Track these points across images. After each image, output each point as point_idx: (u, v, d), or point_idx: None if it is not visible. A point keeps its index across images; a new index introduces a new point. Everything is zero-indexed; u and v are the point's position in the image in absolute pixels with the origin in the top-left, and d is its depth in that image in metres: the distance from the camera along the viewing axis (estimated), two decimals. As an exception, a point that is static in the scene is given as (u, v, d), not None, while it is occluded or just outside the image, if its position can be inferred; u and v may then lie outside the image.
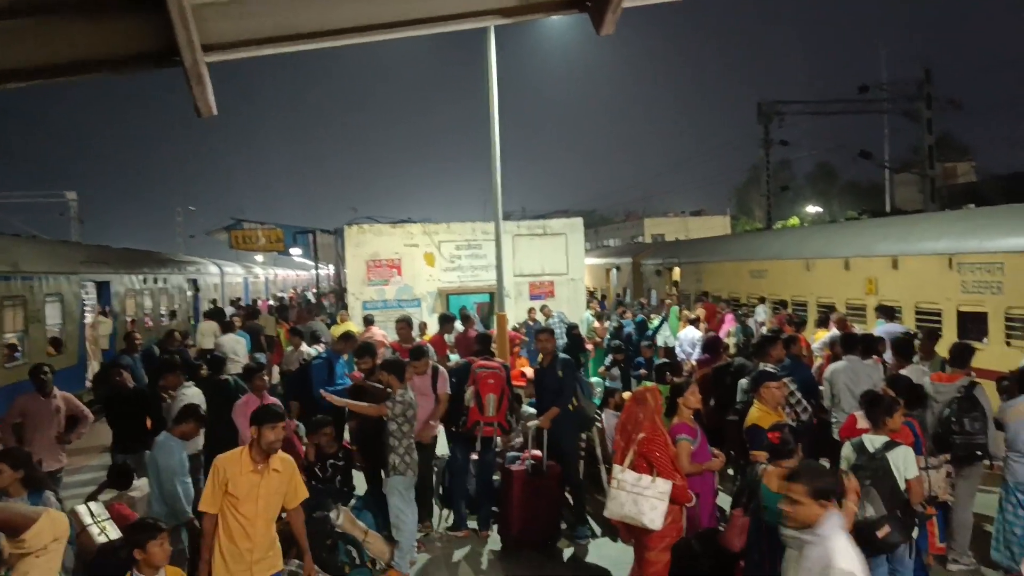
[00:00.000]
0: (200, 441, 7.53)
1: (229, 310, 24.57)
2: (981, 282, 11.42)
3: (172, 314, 20.98)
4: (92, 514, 5.99)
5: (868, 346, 8.13)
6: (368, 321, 13.93)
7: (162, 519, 5.90)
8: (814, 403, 7.68)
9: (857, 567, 3.38)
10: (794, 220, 51.55)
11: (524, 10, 2.50)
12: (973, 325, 11.51)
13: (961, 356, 6.94)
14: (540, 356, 8.18)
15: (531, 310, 15.52)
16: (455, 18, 2.47)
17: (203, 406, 7.26)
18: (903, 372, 7.33)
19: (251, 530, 4.79)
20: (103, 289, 17.62)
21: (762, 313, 15.25)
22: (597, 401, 8.92)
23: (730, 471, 8.53)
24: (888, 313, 12.00)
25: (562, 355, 8.12)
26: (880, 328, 11.97)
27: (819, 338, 11.59)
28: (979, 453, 6.42)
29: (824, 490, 3.54)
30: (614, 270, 29.98)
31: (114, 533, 6.79)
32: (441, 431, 8.40)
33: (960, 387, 6.52)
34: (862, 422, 5.95)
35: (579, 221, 18.86)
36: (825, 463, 5.88)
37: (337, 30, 2.39)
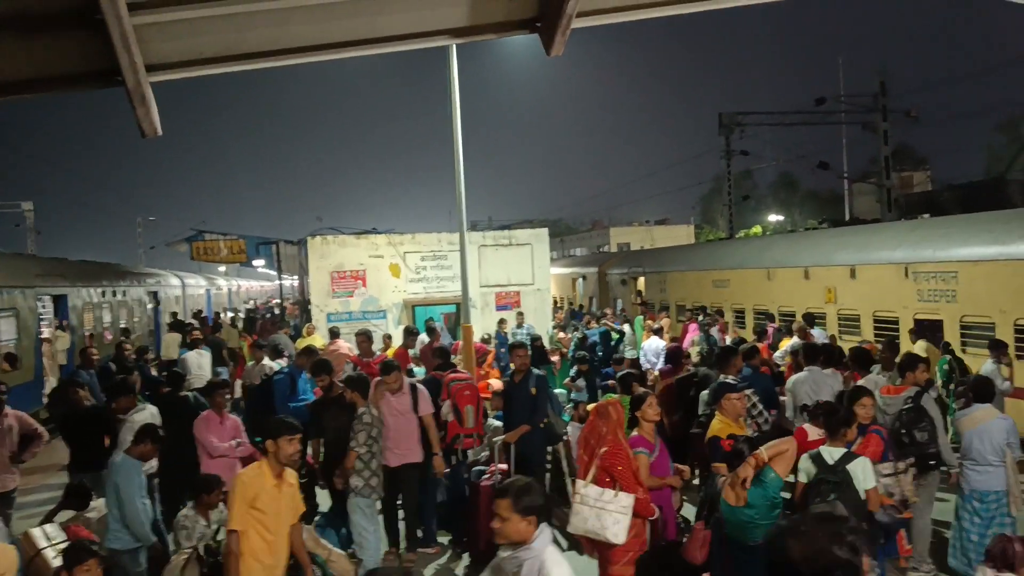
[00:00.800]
0: (155, 461, 7.37)
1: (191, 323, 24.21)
2: (936, 290, 11.67)
3: (124, 331, 20.54)
4: (48, 537, 5.82)
5: (829, 356, 8.24)
6: (334, 334, 13.82)
7: (119, 544, 5.81)
8: (775, 413, 7.77)
9: None
10: (756, 229, 52.27)
11: (475, 31, 2.49)
12: (929, 333, 11.75)
13: (903, 367, 7.06)
14: (512, 370, 8.09)
15: (501, 321, 15.54)
16: (406, 38, 2.45)
17: (160, 424, 7.11)
18: (860, 382, 7.44)
19: (276, 546, 4.74)
20: (60, 303, 17.23)
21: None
22: (566, 417, 8.91)
23: (695, 482, 8.57)
24: (810, 320, 12.77)
25: (536, 371, 8.07)
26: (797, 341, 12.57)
27: (783, 346, 11.75)
28: (932, 462, 6.53)
29: (531, 506, 3.41)
30: (580, 279, 30.10)
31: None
32: None
33: (907, 398, 6.61)
34: (812, 434, 6.03)
35: (544, 231, 18.94)
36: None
37: (286, 50, 2.36)
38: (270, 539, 4.70)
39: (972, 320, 11.02)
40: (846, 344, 11.55)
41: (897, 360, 7.49)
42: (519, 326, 15.66)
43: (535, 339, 13.61)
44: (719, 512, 5.04)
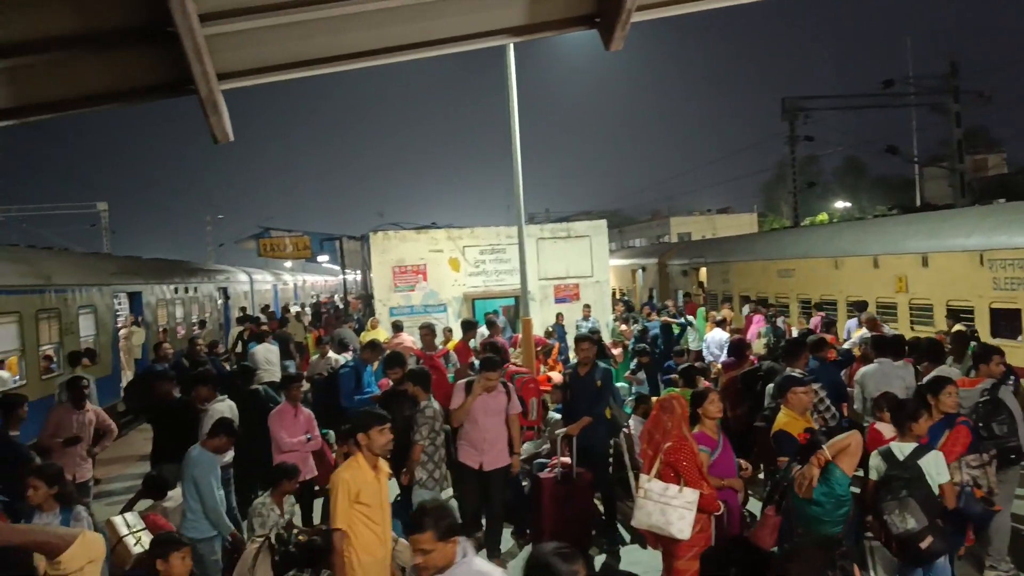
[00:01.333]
0: (230, 454, 7.60)
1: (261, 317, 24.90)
2: (1013, 278, 11.21)
3: (202, 323, 21.24)
4: (128, 525, 6.05)
5: (898, 348, 8.01)
6: (397, 327, 14.01)
7: (196, 533, 6.02)
8: (840, 408, 7.58)
9: None
10: (822, 216, 50.91)
11: (534, 29, 2.50)
12: (1006, 322, 11.30)
13: (977, 358, 6.79)
14: (577, 363, 8.01)
15: (559, 315, 15.57)
16: (465, 39, 2.48)
17: (235, 419, 7.32)
18: (933, 374, 7.20)
19: (384, 537, 4.80)
20: (135, 300, 17.90)
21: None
22: (628, 410, 8.85)
23: (760, 475, 8.45)
24: (860, 307, 13.27)
25: (601, 364, 8.00)
26: (851, 321, 13.19)
27: (855, 336, 11.38)
28: (1013, 456, 6.28)
29: (451, 527, 3.35)
30: (640, 271, 29.83)
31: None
32: None
33: (983, 390, 6.38)
34: (887, 432, 5.86)
35: (603, 223, 18.80)
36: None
37: (347, 55, 2.41)
38: (378, 530, 4.73)
39: (1053, 309, 10.55)
40: (921, 335, 11.19)
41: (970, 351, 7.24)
42: (585, 318, 15.66)
43: (594, 331, 13.59)
44: (790, 499, 4.97)
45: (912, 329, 12.68)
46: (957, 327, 11.02)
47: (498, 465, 7.07)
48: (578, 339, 8.20)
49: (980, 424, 6.19)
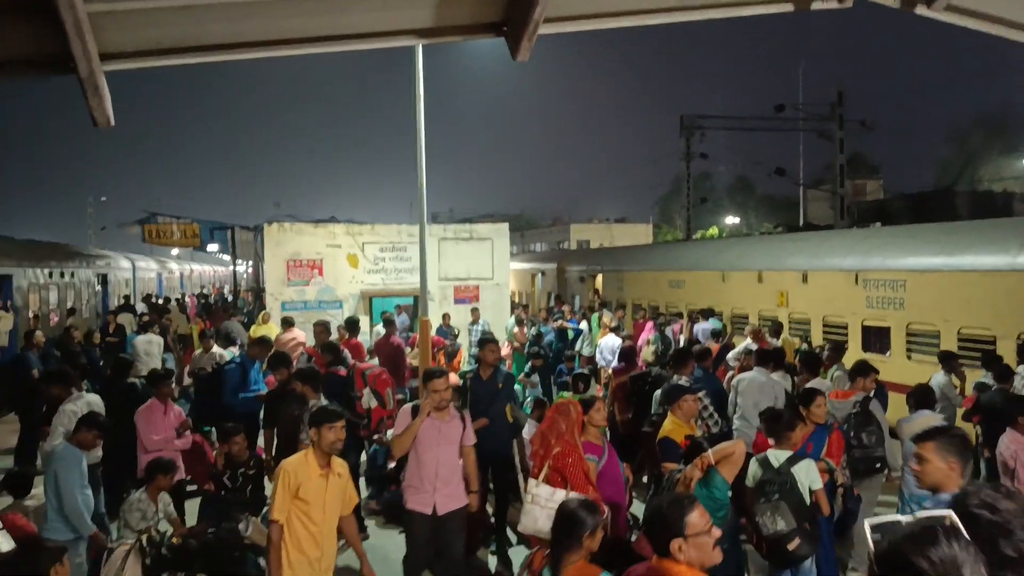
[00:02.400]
0: (99, 451, 7.19)
1: (141, 307, 23.74)
2: (885, 298, 11.98)
3: (71, 311, 20.03)
4: (-16, 524, 5.65)
5: (779, 360, 8.43)
6: (287, 323, 13.63)
7: (59, 535, 5.66)
8: (725, 416, 7.92)
9: None
10: (713, 230, 53.04)
11: (440, 32, 2.48)
12: (877, 339, 12.07)
13: (854, 373, 7.29)
14: (479, 365, 7.90)
15: (446, 315, 15.46)
16: (370, 36, 2.43)
17: (102, 412, 6.94)
18: (808, 385, 7.61)
19: (320, 538, 4.61)
20: (5, 283, 16.73)
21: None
22: (527, 409, 8.93)
23: (644, 479, 8.68)
24: (706, 314, 14.74)
25: (503, 368, 7.93)
26: (697, 327, 14.40)
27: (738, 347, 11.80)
28: (878, 466, 6.72)
29: None
30: (539, 275, 30.18)
31: (7, 545, 6.44)
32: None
33: (855, 403, 6.82)
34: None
35: (505, 227, 18.94)
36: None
37: (246, 43, 2.32)
38: (314, 530, 4.57)
39: (918, 328, 11.34)
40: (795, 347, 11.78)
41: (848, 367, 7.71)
42: (474, 323, 15.64)
43: (485, 334, 13.67)
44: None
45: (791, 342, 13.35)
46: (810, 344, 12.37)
47: (454, 507, 5.82)
48: (483, 341, 8.11)
49: (851, 434, 6.59)
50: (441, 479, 5.74)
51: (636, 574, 3.30)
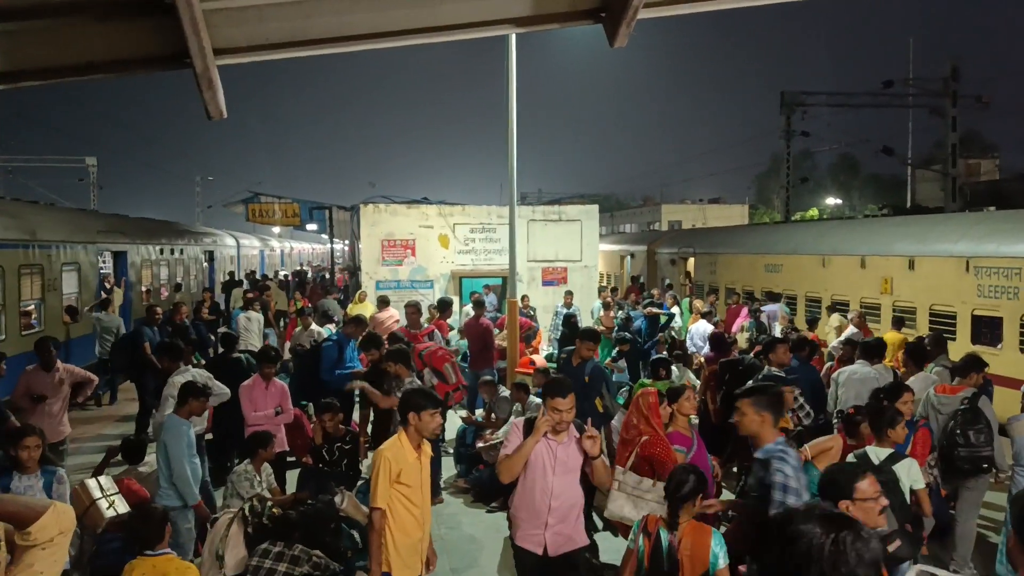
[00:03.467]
0: (205, 421, 7.57)
1: (245, 284, 24.79)
2: (998, 286, 11.31)
3: (177, 287, 21.09)
4: (101, 488, 6.03)
5: (880, 352, 8.09)
6: (383, 302, 13.97)
7: (169, 501, 6.01)
8: (819, 407, 7.67)
9: None
10: (813, 212, 51.16)
11: (538, 20, 2.47)
12: (988, 330, 11.43)
13: (966, 367, 6.86)
14: (571, 352, 7.86)
15: (524, 297, 15.40)
16: (468, 27, 2.45)
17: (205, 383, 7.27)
18: (913, 379, 7.29)
19: (421, 519, 4.70)
20: (119, 259, 17.76)
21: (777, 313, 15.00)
22: (620, 400, 8.86)
23: (735, 469, 8.53)
24: (773, 297, 15.36)
25: (596, 361, 7.88)
26: (766, 308, 14.62)
27: (890, 340, 11.15)
28: (985, 466, 6.38)
29: None
30: (628, 257, 29.88)
31: (123, 508, 6.89)
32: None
33: (963, 399, 6.46)
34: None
35: (595, 208, 18.81)
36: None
37: (348, 37, 2.37)
38: (416, 512, 4.65)
39: (1034, 319, 10.68)
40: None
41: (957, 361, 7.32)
42: (566, 306, 15.63)
43: (570, 316, 13.64)
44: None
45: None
46: (836, 315, 12.86)
47: (569, 548, 4.80)
48: (584, 336, 7.86)
49: (958, 431, 6.28)
50: (554, 514, 4.70)
51: None
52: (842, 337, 11.06)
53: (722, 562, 3.91)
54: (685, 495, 4.05)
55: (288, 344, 13.98)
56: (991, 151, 45.21)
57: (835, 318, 13.60)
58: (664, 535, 4.01)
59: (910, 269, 13.23)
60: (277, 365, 8.35)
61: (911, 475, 5.15)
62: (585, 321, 14.83)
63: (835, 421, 7.62)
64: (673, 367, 11.22)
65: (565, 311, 15.14)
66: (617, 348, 11.59)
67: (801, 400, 7.14)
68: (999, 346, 11.09)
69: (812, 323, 13.76)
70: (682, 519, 4.04)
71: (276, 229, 46.73)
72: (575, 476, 4.79)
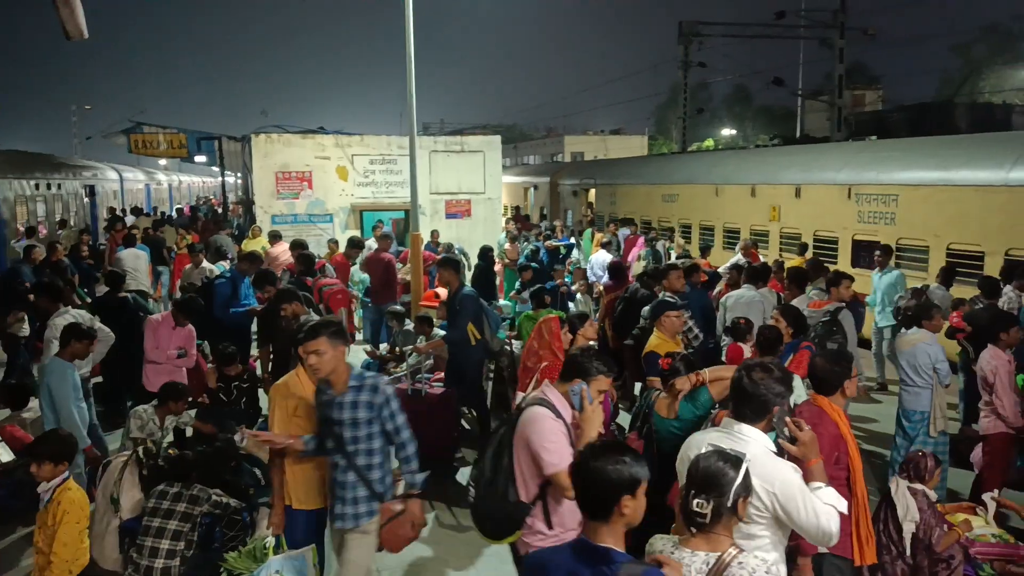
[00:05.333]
0: (90, 364, 7.22)
1: (130, 219, 23.54)
2: (876, 212, 11.96)
3: (62, 223, 19.88)
4: (-16, 433, 5.76)
5: (765, 276, 8.49)
6: (275, 236, 13.54)
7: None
8: (709, 330, 8.02)
9: None
10: (709, 142, 52.42)
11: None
12: (867, 254, 12.11)
13: (834, 282, 7.40)
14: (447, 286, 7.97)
15: (434, 232, 15.17)
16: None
17: (88, 324, 6.93)
18: (795, 301, 7.68)
19: (320, 460, 4.62)
20: (-12, 195, 16.54)
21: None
22: (502, 335, 8.94)
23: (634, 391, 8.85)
24: (625, 223, 16.07)
25: (465, 289, 7.88)
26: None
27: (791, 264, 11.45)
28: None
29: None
30: (532, 189, 29.95)
31: (6, 456, 6.58)
32: None
33: (826, 312, 6.92)
34: (747, 353, 6.25)
35: (497, 139, 18.64)
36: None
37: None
38: None
39: (907, 243, 11.37)
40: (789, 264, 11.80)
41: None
42: (436, 244, 15.05)
43: (487, 249, 13.61)
44: (652, 424, 5.22)
45: (781, 256, 13.41)
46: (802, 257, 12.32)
47: None
48: (440, 264, 8.10)
49: (816, 341, 6.68)
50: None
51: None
52: (729, 263, 11.49)
53: None
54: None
55: (179, 282, 13.45)
56: (876, 82, 47.18)
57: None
58: None
59: (797, 197, 13.80)
60: (192, 310, 7.98)
61: (796, 393, 5.45)
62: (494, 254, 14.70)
63: (724, 343, 8.00)
64: (578, 295, 11.49)
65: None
66: (520, 279, 11.68)
67: (691, 323, 7.43)
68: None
69: (704, 250, 14.22)
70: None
71: (163, 161, 44.39)
72: None
